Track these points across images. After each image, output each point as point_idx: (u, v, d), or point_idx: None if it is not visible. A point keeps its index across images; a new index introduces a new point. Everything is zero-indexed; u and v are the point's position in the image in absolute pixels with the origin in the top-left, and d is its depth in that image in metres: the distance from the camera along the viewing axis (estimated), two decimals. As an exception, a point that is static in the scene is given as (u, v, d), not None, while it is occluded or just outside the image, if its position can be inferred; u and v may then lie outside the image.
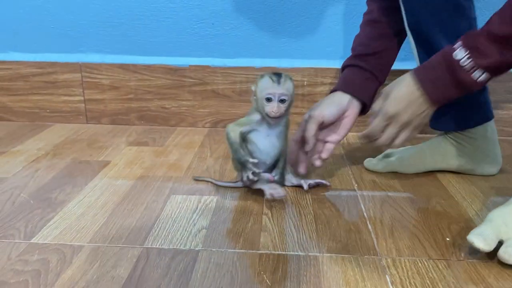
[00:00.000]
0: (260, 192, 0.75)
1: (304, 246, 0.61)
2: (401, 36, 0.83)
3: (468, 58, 0.62)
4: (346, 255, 0.59)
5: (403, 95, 0.68)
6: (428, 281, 0.54)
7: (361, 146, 1.01)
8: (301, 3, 1.04)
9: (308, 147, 0.77)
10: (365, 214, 0.71)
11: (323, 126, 0.78)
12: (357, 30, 1.04)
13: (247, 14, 1.05)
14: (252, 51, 1.08)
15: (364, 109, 0.82)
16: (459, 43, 0.63)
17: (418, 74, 0.68)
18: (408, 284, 0.54)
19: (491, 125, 0.83)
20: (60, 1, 1.07)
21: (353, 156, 0.96)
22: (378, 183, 0.82)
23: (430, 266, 0.57)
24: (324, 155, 0.79)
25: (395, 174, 0.86)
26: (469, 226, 0.66)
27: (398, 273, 0.56)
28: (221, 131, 1.10)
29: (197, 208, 0.72)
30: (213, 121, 1.13)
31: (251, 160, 0.72)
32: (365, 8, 1.03)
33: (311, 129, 0.76)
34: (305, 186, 0.78)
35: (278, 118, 0.72)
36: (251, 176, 0.72)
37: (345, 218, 0.70)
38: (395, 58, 0.85)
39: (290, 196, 0.77)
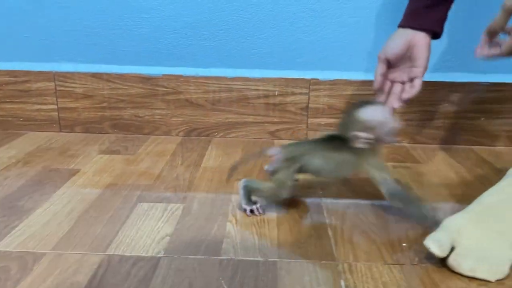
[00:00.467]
0: (227, 200, 0.77)
1: (264, 251, 0.63)
2: None
3: None
4: (305, 261, 0.61)
5: None
6: (381, 285, 0.56)
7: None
8: (272, 15, 1.06)
9: (375, 87, 0.80)
10: (326, 220, 0.73)
11: (394, 63, 0.80)
12: (327, 42, 1.07)
13: (219, 25, 1.07)
14: (224, 61, 1.10)
15: (436, 35, 0.80)
16: None
17: None
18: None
19: None
20: (33, 10, 1.08)
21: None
22: (343, 190, 0.84)
23: (385, 271, 0.59)
24: (412, 91, 0.78)
25: (359, 183, 0.88)
26: (426, 232, 0.69)
27: (353, 277, 0.58)
28: (195, 140, 1.12)
29: (163, 215, 0.73)
30: (187, 130, 1.14)
31: None
32: (333, 19, 1.06)
33: (378, 68, 0.79)
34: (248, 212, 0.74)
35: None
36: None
37: (307, 224, 0.71)
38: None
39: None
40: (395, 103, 0.79)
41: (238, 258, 0.61)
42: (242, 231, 0.68)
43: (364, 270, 0.59)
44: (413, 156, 1.04)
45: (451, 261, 0.59)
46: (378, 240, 0.67)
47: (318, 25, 1.06)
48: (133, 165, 0.94)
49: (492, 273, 0.58)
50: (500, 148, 1.10)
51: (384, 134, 0.71)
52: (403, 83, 0.81)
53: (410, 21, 0.79)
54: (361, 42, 1.07)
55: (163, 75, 1.10)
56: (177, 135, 1.15)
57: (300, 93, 1.09)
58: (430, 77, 1.03)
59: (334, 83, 1.09)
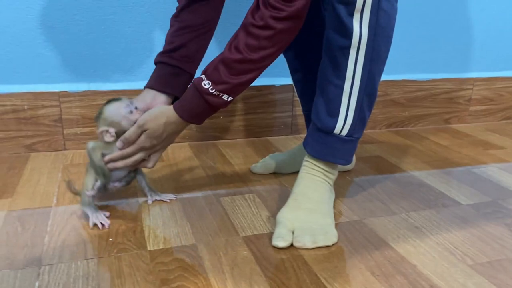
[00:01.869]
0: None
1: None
2: (209, 26, 0.89)
3: (212, 87, 0.75)
4: (7, 270, 0.67)
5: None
6: (72, 279, 0.65)
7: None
8: (11, 32, 1.07)
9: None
10: (48, 228, 0.79)
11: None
12: (70, 57, 1.13)
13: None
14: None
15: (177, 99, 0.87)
16: (203, 75, 0.76)
17: (178, 107, 0.79)
18: (54, 285, 0.64)
19: None
20: None
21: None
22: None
23: (82, 265, 0.69)
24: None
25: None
26: (138, 225, 0.81)
27: (49, 277, 0.66)
28: None
29: None
30: None
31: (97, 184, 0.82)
32: (69, 34, 1.11)
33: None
34: (150, 201, 0.90)
35: None
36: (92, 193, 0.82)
37: (27, 235, 0.77)
38: (206, 45, 0.90)
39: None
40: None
41: None
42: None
43: (63, 268, 0.68)
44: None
45: (295, 242, 0.75)
46: (88, 238, 0.76)
47: (61, 40, 1.11)
48: None
49: (328, 239, 0.76)
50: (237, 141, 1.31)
51: (123, 123, 0.81)
52: None
53: (157, 84, 0.86)
54: (103, 56, 1.15)
55: None
56: None
57: (51, 106, 1.13)
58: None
59: (83, 94, 1.15)
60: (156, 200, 0.91)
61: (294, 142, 1.31)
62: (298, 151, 1.06)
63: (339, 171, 1.09)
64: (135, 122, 0.81)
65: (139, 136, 0.81)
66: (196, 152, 1.20)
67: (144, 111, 0.82)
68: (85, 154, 1.14)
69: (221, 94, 0.77)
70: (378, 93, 1.43)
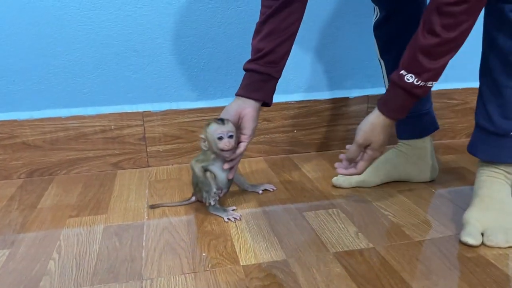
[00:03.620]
0: (55, 237, 0.84)
1: (79, 281, 0.71)
2: (293, 29, 0.90)
3: (417, 80, 0.77)
4: (112, 283, 0.71)
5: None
6: (173, 293, 0.68)
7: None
8: (97, 57, 1.14)
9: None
10: (144, 243, 0.83)
11: None
12: (153, 79, 1.18)
13: (48, 69, 1.13)
14: (57, 102, 1.15)
15: (267, 104, 0.93)
16: (403, 70, 0.77)
17: (387, 111, 0.82)
18: (157, 299, 0.67)
19: (429, 137, 1.06)
20: None
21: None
22: (166, 211, 0.96)
23: (181, 280, 0.71)
24: (237, 151, 0.91)
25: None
26: (227, 239, 0.83)
27: (152, 291, 0.69)
28: (37, 180, 1.16)
29: (-15, 264, 0.77)
30: (28, 171, 1.17)
31: (214, 189, 0.92)
32: (151, 57, 1.17)
33: None
34: (260, 191, 1.04)
35: (230, 150, 0.89)
36: (213, 202, 0.92)
37: (126, 249, 0.81)
38: (290, 49, 0.92)
39: (82, 237, 0.86)
40: (225, 165, 0.93)
41: (52, 292, 0.69)
42: (63, 266, 0.76)
43: (164, 282, 0.71)
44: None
45: (487, 242, 0.78)
46: (183, 253, 0.79)
47: (142, 64, 1.17)
48: (-36, 217, 0.96)
49: None
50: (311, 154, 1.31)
51: (213, 144, 0.90)
52: None
53: (247, 91, 0.91)
54: (183, 76, 1.20)
55: (-5, 121, 1.13)
56: (19, 178, 1.17)
57: (136, 125, 1.19)
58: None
59: (165, 113, 1.20)
60: (265, 189, 1.05)
61: (370, 154, 1.28)
62: (380, 164, 1.04)
63: (421, 182, 1.07)
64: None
65: (359, 152, 0.87)
66: (272, 166, 1.21)
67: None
68: (168, 170, 1.21)
69: (427, 83, 0.77)
70: (457, 101, 1.38)
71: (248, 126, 0.92)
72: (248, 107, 0.91)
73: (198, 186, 0.95)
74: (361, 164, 0.87)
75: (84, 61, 1.14)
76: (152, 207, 0.98)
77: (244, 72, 0.92)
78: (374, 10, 1.03)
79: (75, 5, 1.10)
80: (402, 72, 0.77)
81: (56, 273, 0.74)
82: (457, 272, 0.71)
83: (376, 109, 0.83)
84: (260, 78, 0.90)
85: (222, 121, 0.90)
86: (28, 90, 1.14)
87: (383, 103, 0.83)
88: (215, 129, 0.89)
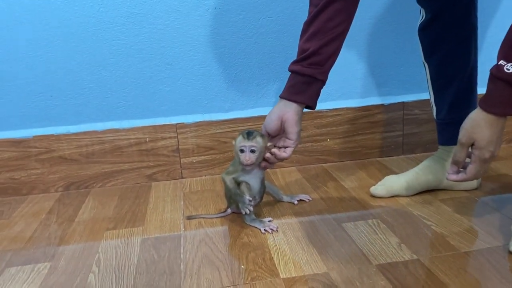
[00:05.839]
0: (94, 251, 0.84)
1: (119, 295, 0.71)
2: (341, 28, 0.86)
3: None
4: (153, 297, 0.70)
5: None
6: (214, 307, 0.67)
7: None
8: (131, 71, 1.16)
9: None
10: (181, 255, 0.83)
11: (276, 134, 0.91)
12: (186, 91, 1.19)
13: (82, 85, 1.15)
14: (93, 116, 1.17)
15: (310, 107, 0.91)
16: (502, 60, 0.72)
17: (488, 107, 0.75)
18: (197, 313, 0.66)
19: None
20: None
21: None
22: (202, 222, 0.95)
23: (221, 293, 0.70)
24: (283, 155, 0.90)
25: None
26: (265, 251, 0.81)
27: (192, 304, 0.68)
28: (74, 193, 1.17)
29: (28, 277, 0.78)
30: (65, 184, 1.19)
31: (247, 197, 0.91)
32: (184, 70, 1.18)
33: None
34: (295, 202, 1.03)
35: (250, 165, 0.89)
36: (249, 211, 0.90)
37: (164, 262, 0.81)
38: (338, 50, 0.89)
39: (120, 250, 0.86)
40: (262, 163, 0.92)
41: (93, 306, 0.69)
42: (102, 279, 0.76)
43: (203, 296, 0.70)
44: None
45: None
46: (221, 265, 0.78)
47: (174, 77, 1.18)
48: (5, 230, 0.98)
49: None
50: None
51: (236, 155, 0.91)
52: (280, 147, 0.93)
53: (289, 94, 0.89)
54: (215, 87, 1.20)
55: (34, 136, 1.15)
56: (56, 191, 1.19)
57: (169, 137, 1.20)
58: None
59: (198, 125, 1.21)
60: (300, 200, 1.04)
61: (407, 162, 1.25)
62: (421, 171, 1.01)
63: (463, 190, 1.02)
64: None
65: (465, 152, 0.79)
66: (306, 176, 1.20)
67: (271, 125, 0.90)
68: (201, 181, 1.21)
69: None
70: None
71: (291, 131, 0.89)
72: (289, 111, 0.89)
73: (231, 198, 0.94)
74: (470, 168, 0.79)
75: (118, 75, 1.16)
76: (189, 218, 0.98)
77: (289, 73, 0.90)
78: (420, 12, 1.00)
79: (109, 21, 1.12)
80: (501, 62, 0.72)
81: (96, 286, 0.74)
82: (510, 286, 0.68)
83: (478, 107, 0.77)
84: (303, 80, 0.88)
85: (248, 134, 0.89)
86: (65, 105, 1.16)
87: (483, 100, 0.76)
88: (239, 141, 0.89)
